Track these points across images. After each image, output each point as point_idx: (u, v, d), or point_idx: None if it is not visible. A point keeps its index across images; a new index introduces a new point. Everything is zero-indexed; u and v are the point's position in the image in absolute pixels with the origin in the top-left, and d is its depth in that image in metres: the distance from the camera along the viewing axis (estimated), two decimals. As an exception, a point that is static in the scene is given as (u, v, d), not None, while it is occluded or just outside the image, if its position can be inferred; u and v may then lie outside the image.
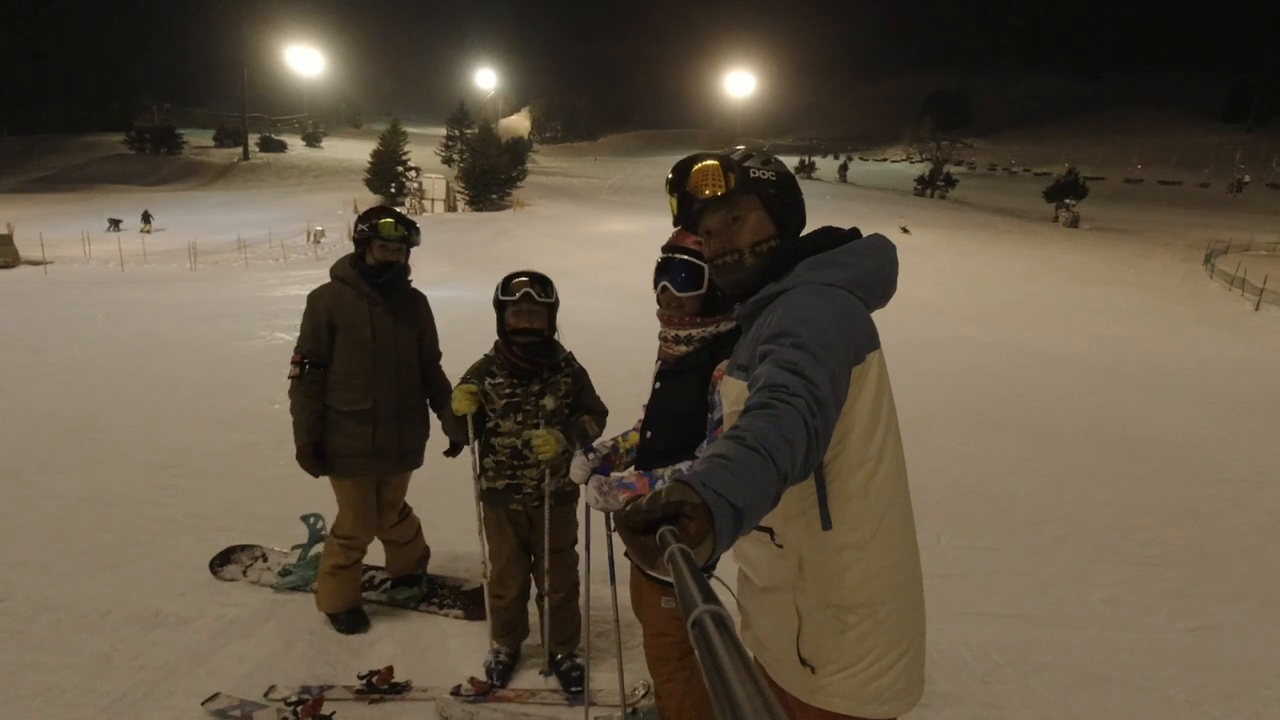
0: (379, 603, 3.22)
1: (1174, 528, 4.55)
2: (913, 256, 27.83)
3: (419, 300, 3.05)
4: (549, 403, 2.52)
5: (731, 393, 1.43)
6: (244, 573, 3.39)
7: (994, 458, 5.94)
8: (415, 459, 3.07)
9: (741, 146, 1.46)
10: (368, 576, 3.38)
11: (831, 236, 1.44)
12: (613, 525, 2.20)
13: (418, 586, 3.26)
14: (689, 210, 1.45)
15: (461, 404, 2.48)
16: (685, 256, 1.87)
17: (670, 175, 1.46)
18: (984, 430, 6.80)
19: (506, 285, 2.48)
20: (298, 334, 2.87)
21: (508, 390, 2.51)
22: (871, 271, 1.40)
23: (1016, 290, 23.48)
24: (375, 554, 3.29)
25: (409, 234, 2.86)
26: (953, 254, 29.34)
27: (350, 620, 2.95)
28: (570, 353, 2.66)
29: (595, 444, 2.15)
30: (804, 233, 1.47)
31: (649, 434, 2.01)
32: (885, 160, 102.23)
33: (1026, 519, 4.59)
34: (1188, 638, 3.22)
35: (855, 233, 1.47)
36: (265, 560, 3.48)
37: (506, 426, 2.51)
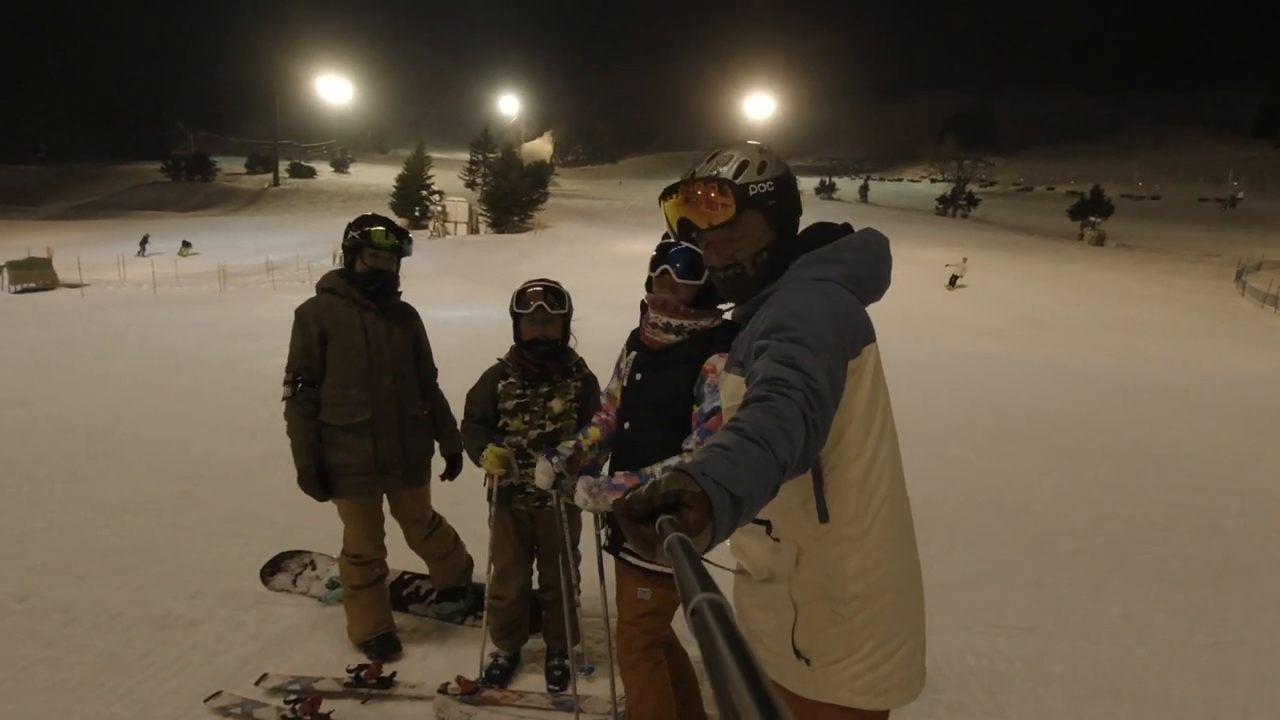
0: (424, 616, 3.14)
1: (1196, 542, 4.42)
2: (937, 273, 27.63)
3: (410, 312, 2.94)
4: (556, 405, 2.55)
5: (728, 389, 1.43)
6: (294, 582, 3.33)
7: (1012, 471, 5.84)
8: (421, 474, 2.92)
9: (734, 154, 1.40)
10: (414, 587, 3.27)
11: (824, 233, 1.44)
12: (597, 525, 2.20)
13: (463, 600, 3.14)
14: (687, 231, 1.45)
15: (491, 464, 2.44)
16: (689, 244, 1.83)
17: (665, 198, 1.44)
18: (1003, 444, 6.70)
19: (521, 296, 2.49)
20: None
21: (518, 391, 2.55)
22: (864, 265, 1.40)
23: (1040, 307, 23.13)
24: (420, 562, 3.19)
25: (400, 243, 2.75)
26: (976, 272, 29.00)
27: (381, 647, 2.81)
28: (582, 359, 2.66)
29: (559, 447, 2.13)
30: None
31: (626, 425, 2.00)
32: (902, 180, 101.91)
33: (1043, 532, 4.50)
34: (1206, 652, 3.12)
35: (848, 228, 1.48)
36: (314, 569, 3.42)
37: (515, 426, 2.55)
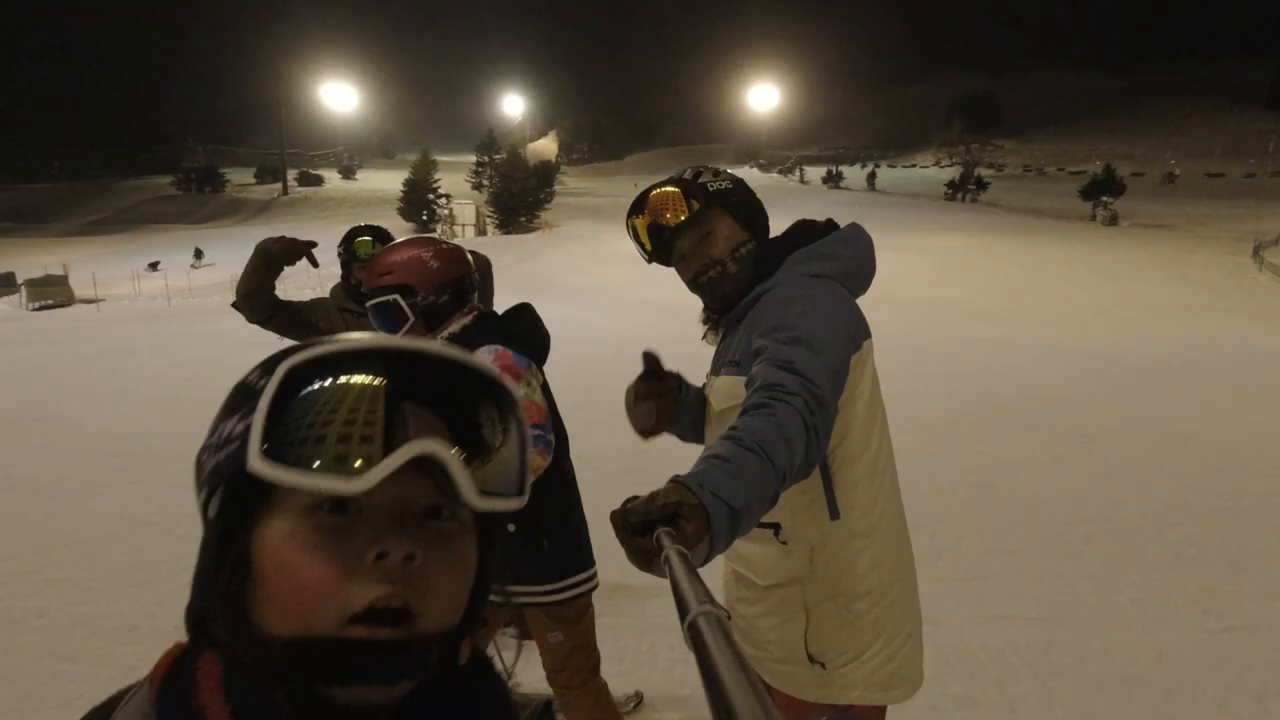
0: None
1: (1211, 526, 4.37)
2: (946, 259, 27.46)
3: None
4: None
5: (722, 390, 1.41)
6: None
7: (1023, 458, 5.79)
8: None
9: (688, 168, 1.47)
10: None
11: (811, 230, 1.45)
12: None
13: None
14: (660, 241, 1.43)
15: None
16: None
17: (632, 212, 1.46)
18: (1013, 431, 6.64)
19: None
20: None
21: None
22: (856, 260, 1.42)
23: (1052, 290, 22.90)
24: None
25: None
26: (987, 256, 28.79)
27: None
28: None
29: None
30: (774, 230, 1.48)
31: None
32: (914, 166, 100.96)
33: (1053, 520, 4.46)
34: (1220, 638, 3.09)
35: (832, 224, 1.48)
36: None
37: None
